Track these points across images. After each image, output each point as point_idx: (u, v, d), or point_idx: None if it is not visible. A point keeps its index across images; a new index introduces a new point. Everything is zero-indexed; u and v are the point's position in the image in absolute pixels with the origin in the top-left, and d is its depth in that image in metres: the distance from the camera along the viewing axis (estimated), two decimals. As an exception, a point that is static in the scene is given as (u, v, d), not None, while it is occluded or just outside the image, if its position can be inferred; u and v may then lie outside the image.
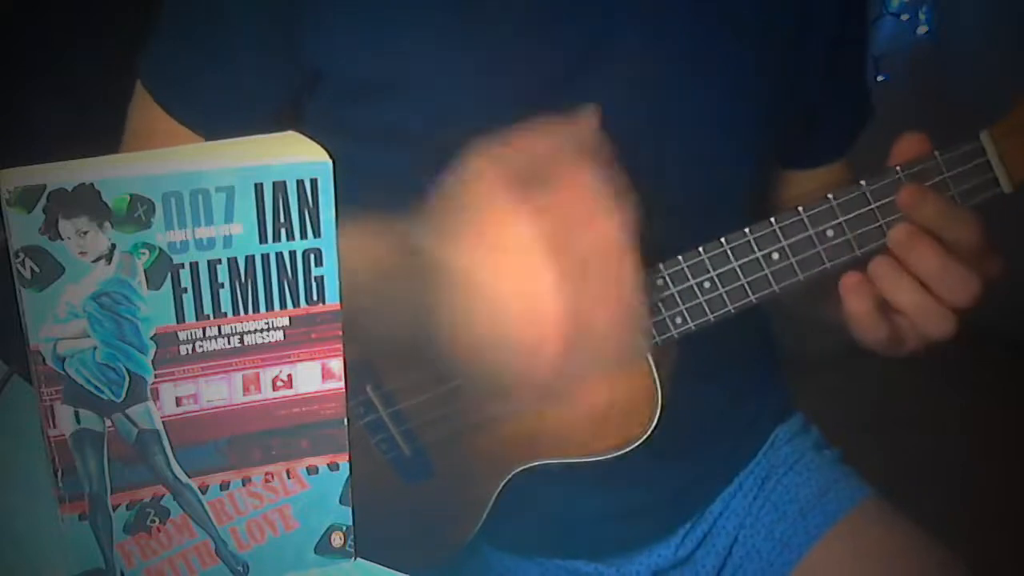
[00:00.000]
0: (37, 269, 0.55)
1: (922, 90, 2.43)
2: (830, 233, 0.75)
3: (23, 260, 0.55)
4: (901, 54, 2.47)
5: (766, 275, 0.77)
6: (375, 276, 0.74)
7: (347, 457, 0.65)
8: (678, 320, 0.78)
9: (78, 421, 0.59)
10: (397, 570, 0.68)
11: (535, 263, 0.66)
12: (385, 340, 0.79)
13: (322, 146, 0.60)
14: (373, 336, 0.73)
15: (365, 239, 0.73)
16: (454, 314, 0.69)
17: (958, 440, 2.19)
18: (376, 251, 0.74)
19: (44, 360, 0.57)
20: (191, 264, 0.58)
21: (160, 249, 0.57)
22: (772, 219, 0.76)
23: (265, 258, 0.59)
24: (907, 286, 0.73)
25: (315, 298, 0.61)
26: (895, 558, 0.95)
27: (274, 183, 0.58)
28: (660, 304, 0.78)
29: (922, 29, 2.48)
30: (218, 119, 0.82)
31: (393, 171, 0.83)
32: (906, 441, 2.17)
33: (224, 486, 0.63)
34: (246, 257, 0.59)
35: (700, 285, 0.77)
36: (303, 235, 0.60)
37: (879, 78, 2.43)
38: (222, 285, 0.59)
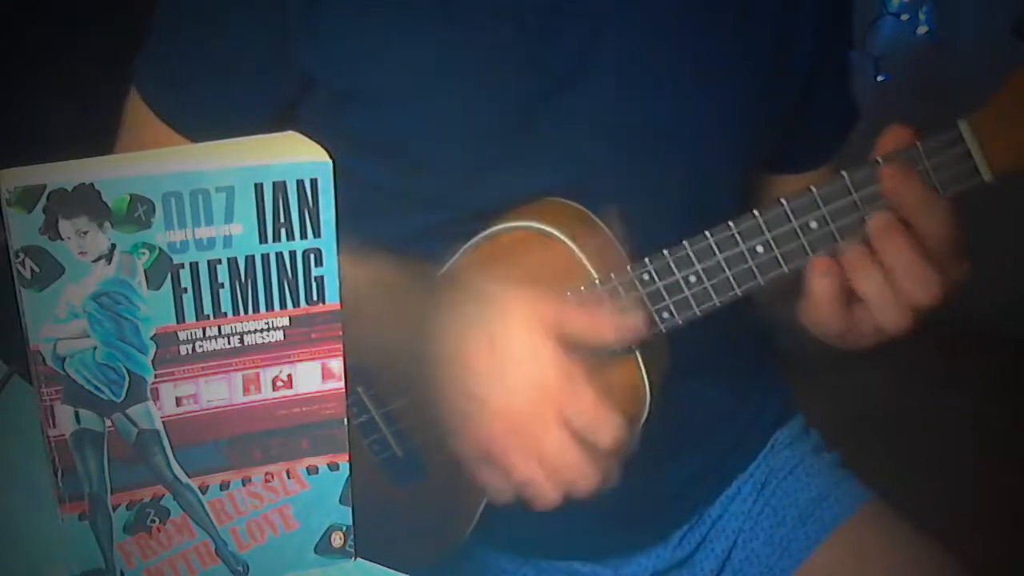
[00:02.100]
0: (37, 269, 0.55)
1: (922, 90, 2.43)
2: (813, 225, 0.76)
3: (23, 260, 0.55)
4: (901, 54, 2.47)
5: (751, 268, 0.77)
6: (371, 295, 0.75)
7: (347, 457, 0.65)
8: (664, 315, 0.78)
9: (78, 421, 0.59)
10: (394, 569, 0.68)
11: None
12: (376, 345, 0.79)
13: (322, 146, 0.60)
14: (364, 339, 0.73)
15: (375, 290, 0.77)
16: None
17: (958, 440, 2.19)
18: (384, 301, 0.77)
19: (44, 360, 0.57)
20: (191, 264, 0.58)
21: (160, 249, 0.57)
22: (755, 212, 0.76)
23: (265, 258, 0.59)
24: (874, 274, 0.74)
25: (315, 298, 0.61)
26: (895, 563, 0.95)
27: (274, 183, 0.58)
28: (646, 299, 0.78)
29: (922, 29, 2.48)
30: (210, 125, 0.82)
31: (384, 177, 0.83)
32: (906, 441, 2.17)
33: (224, 486, 0.63)
34: (246, 257, 0.59)
35: (686, 279, 0.77)
36: (303, 235, 0.60)
37: (879, 78, 2.43)
38: (222, 285, 0.59)
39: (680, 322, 0.79)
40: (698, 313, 0.78)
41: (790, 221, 0.75)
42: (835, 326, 0.77)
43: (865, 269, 0.74)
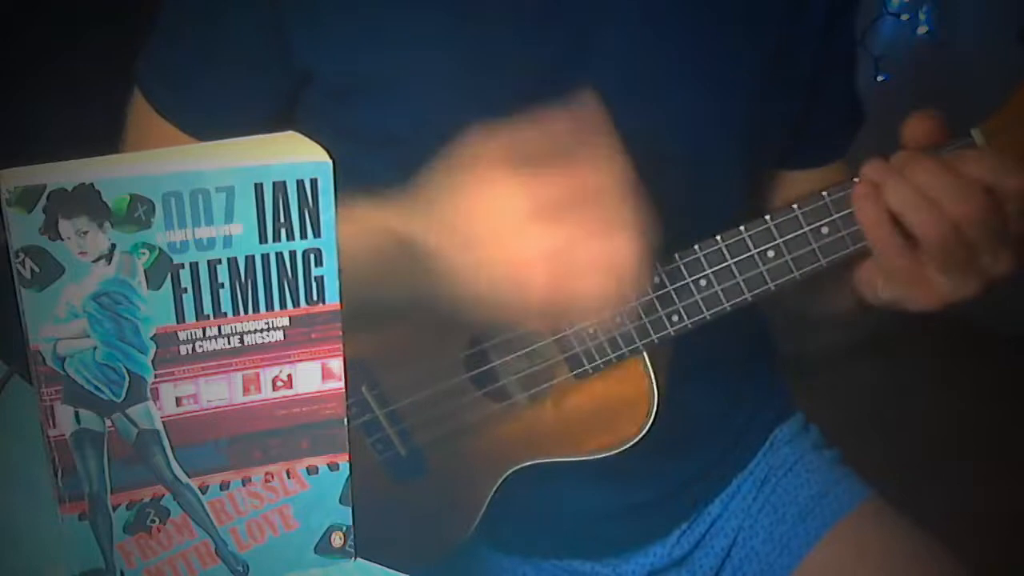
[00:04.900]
0: (37, 269, 0.55)
1: (922, 90, 2.43)
2: (824, 230, 0.76)
3: (23, 260, 0.55)
4: (901, 54, 2.48)
5: (761, 273, 0.77)
6: (369, 271, 0.74)
7: (347, 457, 0.65)
8: (675, 318, 0.78)
9: (78, 421, 0.59)
10: (394, 569, 0.68)
11: (529, 228, 0.67)
12: (380, 336, 0.79)
13: (322, 146, 0.60)
14: (368, 333, 0.73)
15: (354, 235, 0.74)
16: (453, 286, 0.70)
17: (958, 439, 2.19)
18: (367, 246, 0.74)
19: (44, 360, 0.57)
20: (191, 264, 0.58)
21: (160, 249, 0.57)
22: (767, 216, 0.76)
23: (265, 258, 0.59)
24: (901, 187, 0.72)
25: (315, 298, 0.61)
26: (895, 560, 0.95)
27: (274, 183, 0.58)
28: (657, 302, 0.78)
29: (922, 29, 2.48)
30: (212, 122, 0.83)
31: (382, 172, 0.83)
32: (906, 440, 2.17)
33: (224, 486, 0.63)
34: (246, 257, 0.59)
35: (696, 283, 0.78)
36: (303, 235, 0.60)
37: (879, 78, 2.43)
38: (222, 285, 0.59)
39: (690, 326, 0.79)
40: (708, 317, 0.78)
41: (801, 226, 0.76)
42: (893, 254, 0.74)
43: (893, 180, 0.73)
